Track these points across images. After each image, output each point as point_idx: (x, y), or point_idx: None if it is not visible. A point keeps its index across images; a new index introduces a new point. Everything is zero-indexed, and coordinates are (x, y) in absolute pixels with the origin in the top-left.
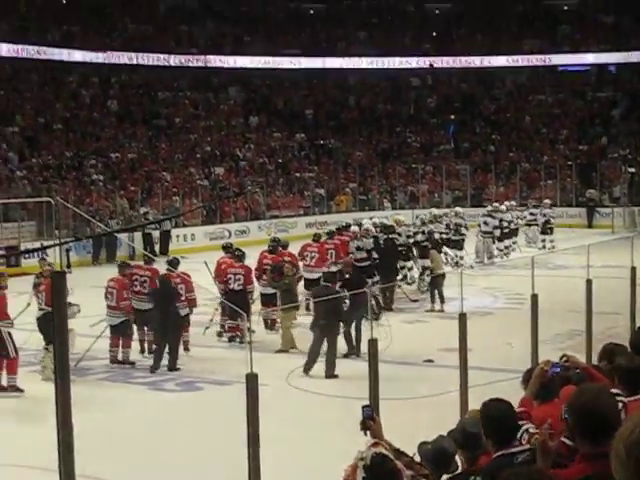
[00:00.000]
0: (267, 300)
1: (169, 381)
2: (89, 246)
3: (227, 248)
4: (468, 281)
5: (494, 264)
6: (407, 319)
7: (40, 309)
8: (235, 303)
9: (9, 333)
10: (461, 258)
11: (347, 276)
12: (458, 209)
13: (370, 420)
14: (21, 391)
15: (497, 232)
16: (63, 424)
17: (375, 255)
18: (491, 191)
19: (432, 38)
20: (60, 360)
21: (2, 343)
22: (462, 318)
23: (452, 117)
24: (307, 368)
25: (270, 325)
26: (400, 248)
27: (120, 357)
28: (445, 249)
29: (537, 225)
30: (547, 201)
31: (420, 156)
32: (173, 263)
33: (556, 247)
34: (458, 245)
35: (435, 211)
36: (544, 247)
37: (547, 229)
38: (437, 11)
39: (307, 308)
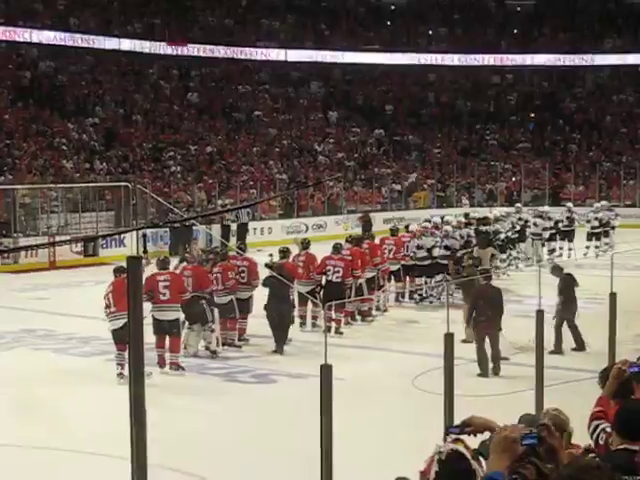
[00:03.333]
0: (358, 292)
1: (244, 373)
2: (166, 237)
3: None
4: (545, 280)
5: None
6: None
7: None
8: (332, 294)
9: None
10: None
11: None
12: (497, 210)
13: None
14: (183, 369)
15: (546, 234)
16: (136, 413)
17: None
18: (570, 190)
19: (513, 35)
20: (134, 347)
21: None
22: (539, 315)
23: (532, 115)
24: (483, 372)
25: (362, 317)
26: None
27: (228, 340)
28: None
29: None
30: (604, 203)
31: (499, 154)
32: (242, 249)
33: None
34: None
35: (496, 211)
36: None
37: (599, 233)
38: (519, 8)
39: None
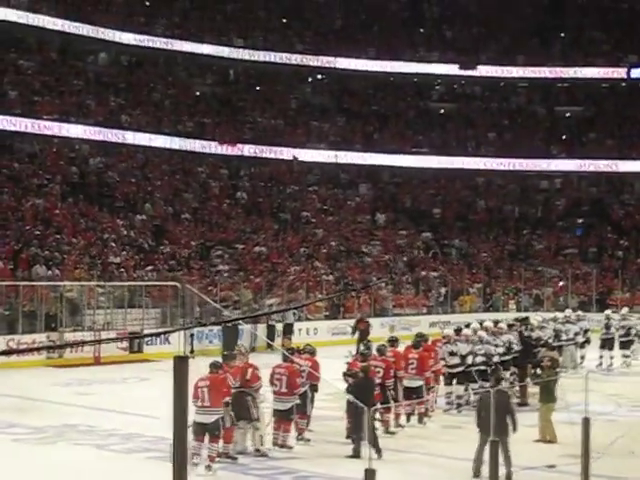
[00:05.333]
0: (410, 393)
1: (286, 474)
2: (211, 335)
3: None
4: (591, 387)
5: (579, 373)
6: (528, 422)
7: (233, 388)
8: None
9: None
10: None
11: None
12: (538, 317)
13: None
14: (235, 459)
15: (579, 338)
16: None
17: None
18: (616, 296)
19: (562, 141)
20: (179, 442)
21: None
22: (585, 423)
23: (580, 221)
24: (476, 473)
25: (418, 419)
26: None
27: (280, 441)
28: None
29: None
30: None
31: (547, 259)
32: (312, 351)
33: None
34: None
35: (538, 317)
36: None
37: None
38: (568, 114)
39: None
